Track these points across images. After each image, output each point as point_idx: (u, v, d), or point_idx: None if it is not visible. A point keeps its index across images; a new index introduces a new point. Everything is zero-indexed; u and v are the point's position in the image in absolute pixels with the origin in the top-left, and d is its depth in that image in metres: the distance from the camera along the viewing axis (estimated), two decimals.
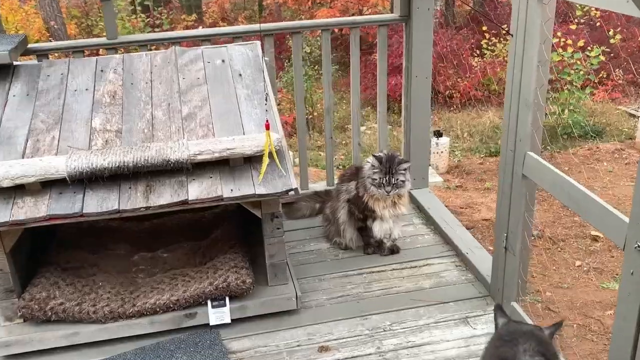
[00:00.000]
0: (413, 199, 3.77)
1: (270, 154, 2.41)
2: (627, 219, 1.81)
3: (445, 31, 9.74)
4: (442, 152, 6.45)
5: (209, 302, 2.65)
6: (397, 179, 3.00)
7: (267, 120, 2.35)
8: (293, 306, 2.76)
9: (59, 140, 2.53)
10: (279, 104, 8.69)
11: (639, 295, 1.80)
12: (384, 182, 2.99)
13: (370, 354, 2.52)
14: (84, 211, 2.29)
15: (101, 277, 2.74)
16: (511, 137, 2.46)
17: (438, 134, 6.52)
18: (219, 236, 3.00)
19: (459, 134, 8.02)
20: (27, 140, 2.52)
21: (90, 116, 2.68)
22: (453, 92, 9.47)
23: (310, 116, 9.32)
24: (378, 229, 3.18)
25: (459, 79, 9.52)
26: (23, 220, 2.25)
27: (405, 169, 3.03)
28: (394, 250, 3.26)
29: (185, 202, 2.36)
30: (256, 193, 2.41)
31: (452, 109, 9.47)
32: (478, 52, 9.91)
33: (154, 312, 2.60)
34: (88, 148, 2.53)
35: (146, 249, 3.05)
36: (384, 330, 2.67)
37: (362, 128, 8.62)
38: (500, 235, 2.65)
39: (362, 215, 3.17)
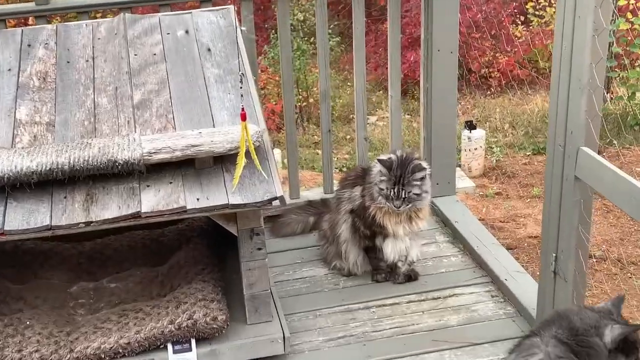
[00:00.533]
0: (436, 211, 3.80)
1: (248, 153, 2.44)
2: None
3: None
4: (476, 149, 6.50)
5: (169, 346, 2.67)
6: (410, 192, 3.02)
7: (242, 109, 2.38)
8: (280, 350, 2.78)
9: None
10: (262, 88, 8.75)
11: None
12: (392, 195, 3.02)
13: None
14: (5, 228, 2.31)
15: (29, 314, 2.76)
16: (560, 128, 2.49)
17: (471, 126, 6.56)
18: (183, 260, 3.03)
19: (498, 125, 8.07)
20: None
21: (14, 105, 2.71)
22: (490, 71, 9.51)
23: (305, 103, 9.38)
24: (390, 250, 3.21)
25: (497, 54, 9.56)
26: None
27: (421, 178, 3.05)
28: (411, 276, 3.29)
29: (137, 215, 2.38)
30: (230, 203, 2.43)
31: (488, 93, 9.52)
32: (522, 19, 9.96)
33: (98, 359, 2.62)
34: (11, 146, 2.55)
35: (88, 277, 3.07)
36: None
37: (373, 119, 8.69)
38: (547, 256, 2.68)
39: (370, 231, 3.20)
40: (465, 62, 8.95)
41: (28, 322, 2.71)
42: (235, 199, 2.44)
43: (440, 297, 3.17)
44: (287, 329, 2.81)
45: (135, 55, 2.91)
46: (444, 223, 3.75)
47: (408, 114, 8.81)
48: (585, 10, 2.27)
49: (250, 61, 3.26)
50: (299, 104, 9.05)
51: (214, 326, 2.67)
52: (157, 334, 2.64)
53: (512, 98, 9.13)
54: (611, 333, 1.91)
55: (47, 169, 2.35)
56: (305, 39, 9.37)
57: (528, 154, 7.29)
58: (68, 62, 2.90)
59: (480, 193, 6.29)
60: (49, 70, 2.85)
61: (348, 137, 8.38)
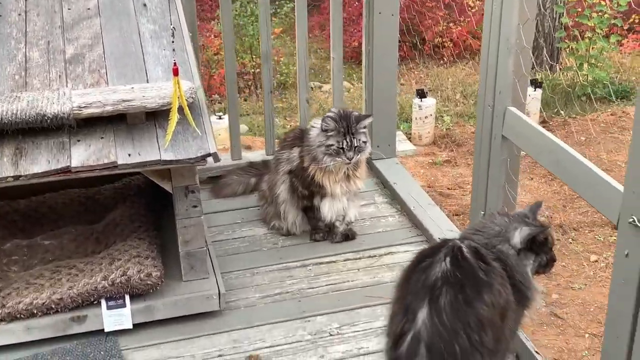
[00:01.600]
0: (376, 172, 3.85)
1: (181, 109, 2.44)
2: (621, 188, 1.91)
3: None
4: (426, 117, 6.52)
5: (103, 302, 2.68)
6: (360, 140, 3.06)
7: (175, 64, 2.37)
8: (215, 306, 2.81)
9: None
10: (216, 54, 8.66)
11: (634, 283, 1.90)
12: (343, 146, 3.04)
13: None
14: None
15: None
16: (489, 88, 2.55)
17: (421, 94, 6.57)
18: (119, 218, 3.03)
19: (450, 94, 8.11)
20: None
21: None
22: (443, 40, 9.53)
23: (258, 70, 9.30)
24: (328, 209, 3.25)
25: (451, 24, 9.58)
26: None
27: (366, 127, 3.10)
28: (348, 236, 3.33)
29: (67, 169, 2.37)
30: (162, 159, 2.44)
31: (441, 62, 9.54)
32: None
33: (31, 314, 2.62)
34: None
35: (22, 235, 3.05)
36: (331, 335, 2.75)
37: (327, 87, 8.66)
38: (476, 213, 2.74)
39: (308, 191, 3.23)
40: (419, 31, 8.97)
41: None
42: (168, 155, 2.45)
43: (375, 256, 3.23)
44: (222, 285, 2.84)
45: (69, 9, 2.87)
46: (383, 185, 3.80)
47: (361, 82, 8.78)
48: None
49: (189, 21, 3.26)
50: (252, 70, 8.99)
51: (148, 282, 2.69)
52: (90, 290, 2.65)
53: (464, 68, 9.17)
54: (519, 234, 2.12)
55: None
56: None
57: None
58: (0, 15, 2.85)
59: (430, 161, 6.35)
60: None
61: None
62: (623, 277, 1.94)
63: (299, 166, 3.22)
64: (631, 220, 1.86)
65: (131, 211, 3.06)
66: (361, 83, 8.64)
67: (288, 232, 3.38)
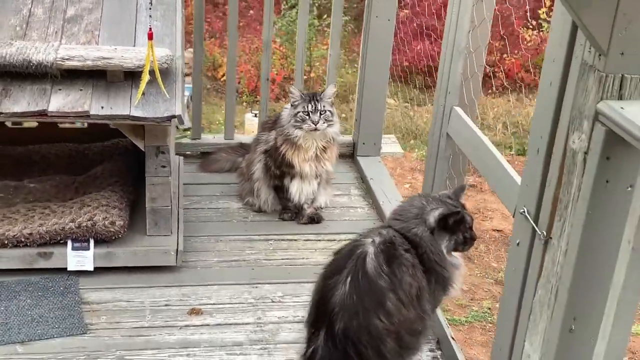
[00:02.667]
0: (357, 167, 4.03)
1: (152, 72, 2.66)
2: (519, 180, 2.07)
3: None
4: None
5: (69, 243, 2.91)
6: (324, 106, 3.27)
7: (150, 29, 2.59)
8: (172, 262, 3.02)
9: None
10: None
11: (521, 271, 2.06)
12: (309, 109, 3.25)
13: (246, 323, 2.79)
14: None
15: None
16: (442, 89, 2.72)
17: None
18: (100, 172, 3.27)
19: (491, 123, 8.10)
20: None
21: None
22: (495, 70, 9.42)
23: (305, 77, 9.47)
24: (296, 190, 3.44)
25: (505, 55, 9.48)
26: None
27: (331, 97, 3.30)
28: (314, 219, 3.52)
29: (43, 112, 2.62)
30: (131, 115, 2.67)
31: (489, 91, 9.48)
32: (534, 23, 9.82)
33: (2, 244, 2.86)
34: None
35: (12, 177, 3.31)
36: (272, 302, 2.94)
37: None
38: None
39: (279, 171, 3.43)
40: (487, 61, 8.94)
41: None
42: (137, 112, 2.68)
43: (335, 240, 3.40)
44: (182, 244, 3.05)
45: None
46: (362, 179, 3.98)
47: (406, 102, 8.80)
48: None
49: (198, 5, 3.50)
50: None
51: (112, 230, 2.91)
52: (58, 229, 2.88)
53: (510, 100, 9.12)
54: (432, 216, 2.27)
55: None
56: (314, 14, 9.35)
57: (511, 153, 7.27)
58: None
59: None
60: None
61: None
62: (514, 265, 2.10)
63: (273, 146, 3.42)
64: (522, 210, 2.02)
65: (112, 167, 3.29)
66: (407, 102, 8.78)
67: (260, 209, 3.58)
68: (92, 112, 2.64)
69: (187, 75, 4.78)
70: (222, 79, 8.51)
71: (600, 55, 1.58)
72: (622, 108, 1.54)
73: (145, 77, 2.64)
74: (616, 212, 1.70)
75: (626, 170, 1.68)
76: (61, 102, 2.66)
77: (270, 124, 3.54)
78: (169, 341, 2.67)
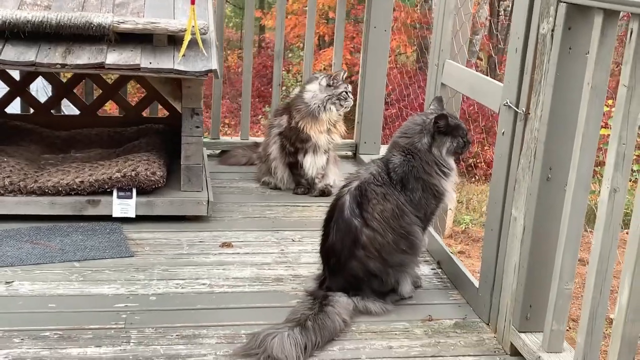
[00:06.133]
0: (359, 161, 4.48)
1: (194, 34, 3.16)
2: (501, 85, 2.54)
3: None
4: (445, 210, 6.77)
5: (114, 191, 3.31)
6: (347, 88, 3.83)
7: None
8: (203, 212, 3.42)
9: None
10: None
11: (506, 157, 2.49)
12: (349, 89, 3.81)
13: (272, 253, 3.17)
14: (1, 58, 3.02)
15: (6, 157, 3.42)
16: (436, 49, 3.22)
17: None
18: (137, 144, 3.71)
19: (476, 207, 8.47)
20: None
21: None
22: (477, 161, 9.85)
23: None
24: (309, 164, 3.88)
25: (486, 147, 9.98)
26: None
27: (345, 80, 3.86)
28: (325, 192, 3.94)
29: (101, 65, 3.09)
30: (175, 68, 3.14)
31: (473, 180, 9.83)
32: None
33: (56, 192, 3.26)
34: None
35: (59, 151, 3.75)
36: (293, 241, 3.32)
37: None
38: None
39: (294, 148, 3.88)
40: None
41: (5, 159, 3.38)
42: (179, 66, 3.15)
43: None
44: (212, 196, 3.46)
45: None
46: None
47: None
48: None
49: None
50: None
51: (152, 179, 3.33)
52: (106, 178, 3.29)
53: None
54: (430, 120, 2.67)
55: (39, 20, 3.07)
56: None
57: None
58: None
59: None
60: None
61: None
62: (500, 152, 2.54)
63: (287, 128, 3.89)
64: (505, 102, 2.48)
65: (149, 140, 3.74)
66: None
67: (275, 187, 4.01)
68: (142, 65, 3.11)
69: None
70: None
71: None
72: None
73: (188, 36, 3.14)
74: (578, 74, 2.16)
75: (583, 39, 2.17)
76: (116, 57, 3.13)
77: (280, 110, 4.02)
78: (206, 261, 3.04)
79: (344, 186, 2.74)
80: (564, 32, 2.18)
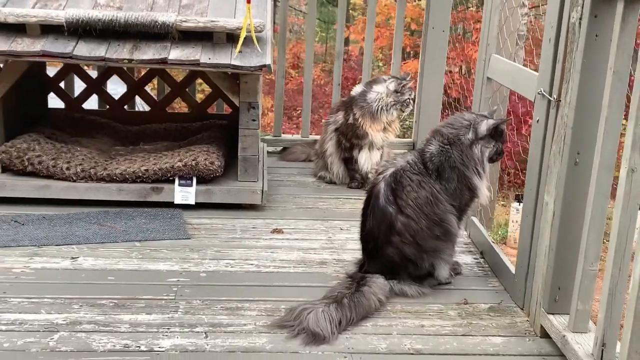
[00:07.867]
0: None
1: (249, 31, 3.34)
2: (536, 74, 2.61)
3: None
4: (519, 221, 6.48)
5: (176, 180, 3.52)
6: (411, 93, 3.97)
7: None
8: (258, 200, 3.59)
9: (64, 8, 3.57)
10: None
11: (541, 142, 2.56)
12: (414, 96, 3.99)
13: (320, 240, 3.31)
14: (74, 53, 3.28)
15: (80, 147, 3.69)
16: (484, 44, 3.30)
17: (520, 200, 6.60)
18: (200, 137, 3.92)
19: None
20: (36, 3, 3.57)
21: None
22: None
23: None
24: (364, 160, 4.01)
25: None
26: (19, 52, 3.25)
27: (410, 88, 3.98)
28: None
29: (164, 60, 3.30)
30: (231, 63, 3.32)
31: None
32: None
33: (124, 179, 3.49)
34: None
35: (129, 144, 4.00)
36: (341, 229, 3.45)
37: None
38: None
39: (349, 143, 4.02)
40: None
41: (79, 149, 3.65)
42: (236, 62, 3.33)
43: None
44: (267, 186, 3.63)
45: None
46: None
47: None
48: None
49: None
50: None
51: (211, 168, 3.52)
52: (168, 167, 3.51)
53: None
54: (485, 124, 2.76)
55: (109, 19, 3.31)
56: None
57: None
58: None
59: None
60: None
61: None
62: (535, 139, 2.60)
63: (344, 124, 4.02)
64: (539, 91, 2.54)
65: (210, 134, 3.95)
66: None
67: (331, 181, 4.15)
68: (201, 61, 3.31)
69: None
70: None
71: None
72: None
73: (244, 33, 3.32)
74: (604, 61, 2.21)
75: (608, 27, 2.22)
76: (178, 54, 3.34)
77: (336, 108, 4.16)
78: (257, 245, 3.20)
79: (379, 173, 2.84)
80: (590, 20, 2.24)
